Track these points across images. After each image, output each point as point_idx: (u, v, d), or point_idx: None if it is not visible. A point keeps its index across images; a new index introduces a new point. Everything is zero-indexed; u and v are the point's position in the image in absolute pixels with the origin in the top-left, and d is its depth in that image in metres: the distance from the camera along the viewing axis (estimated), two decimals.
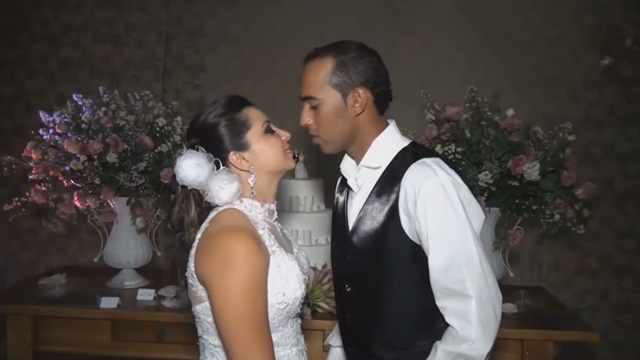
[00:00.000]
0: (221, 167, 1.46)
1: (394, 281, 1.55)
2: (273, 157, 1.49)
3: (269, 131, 1.50)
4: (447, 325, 1.48)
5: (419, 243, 1.51)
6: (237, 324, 1.28)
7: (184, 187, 1.48)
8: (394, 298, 1.56)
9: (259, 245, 1.34)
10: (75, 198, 2.70)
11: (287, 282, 1.39)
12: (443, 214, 1.46)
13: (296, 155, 1.57)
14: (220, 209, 1.45)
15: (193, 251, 1.40)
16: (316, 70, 1.54)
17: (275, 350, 1.38)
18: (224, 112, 1.48)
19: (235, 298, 1.28)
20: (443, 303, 1.47)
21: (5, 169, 2.72)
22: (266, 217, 1.51)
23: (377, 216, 1.55)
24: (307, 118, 1.57)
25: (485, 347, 1.43)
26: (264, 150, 1.48)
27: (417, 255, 1.51)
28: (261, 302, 1.31)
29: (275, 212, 1.57)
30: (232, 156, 1.47)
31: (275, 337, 1.40)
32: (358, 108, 1.55)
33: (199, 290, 1.39)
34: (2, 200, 3.01)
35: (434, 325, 1.52)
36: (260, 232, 1.41)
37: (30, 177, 2.71)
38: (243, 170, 1.48)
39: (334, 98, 1.53)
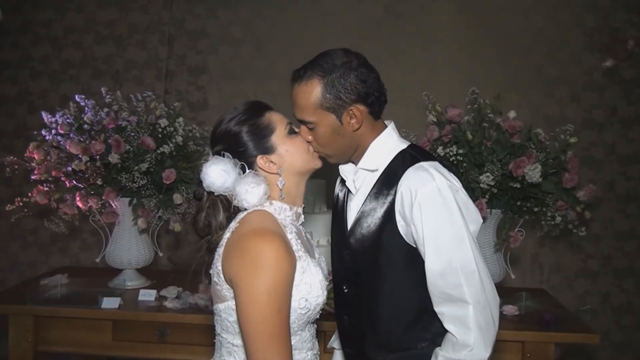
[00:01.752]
0: (247, 171, 1.47)
1: (389, 283, 1.55)
2: (300, 157, 1.52)
3: (292, 132, 1.53)
4: (444, 329, 1.48)
5: (415, 246, 1.51)
6: (261, 326, 1.28)
7: (210, 193, 1.50)
8: (389, 300, 1.56)
9: (287, 249, 1.34)
10: (77, 198, 2.71)
11: (310, 288, 1.40)
12: (439, 219, 1.45)
13: None
14: (250, 209, 1.46)
15: (221, 250, 1.41)
16: (305, 94, 1.52)
17: (292, 354, 1.39)
18: (246, 118, 1.50)
19: (262, 300, 1.28)
20: (441, 309, 1.48)
21: (7, 169, 2.73)
22: (293, 220, 1.53)
23: (374, 218, 1.56)
24: (308, 136, 1.57)
25: (485, 353, 1.43)
26: (290, 151, 1.50)
27: (413, 258, 1.51)
28: (285, 306, 1.32)
29: (302, 216, 1.58)
30: (260, 160, 1.49)
31: (292, 341, 1.40)
32: (355, 124, 1.54)
33: (223, 289, 1.40)
34: (4, 201, 3.03)
35: (430, 328, 1.53)
36: (289, 236, 1.43)
37: (32, 177, 2.71)
38: (271, 173, 1.49)
39: (329, 119, 1.53)
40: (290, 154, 1.50)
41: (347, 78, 1.50)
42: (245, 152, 1.49)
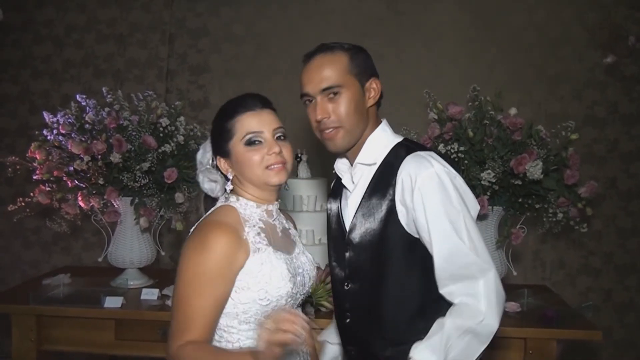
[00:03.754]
0: (208, 165, 1.58)
1: (393, 276, 1.56)
2: (249, 170, 1.51)
3: (248, 144, 1.50)
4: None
5: (416, 236, 1.52)
6: (180, 304, 1.40)
7: None
8: (393, 293, 1.57)
9: (235, 241, 1.42)
10: (79, 198, 2.71)
11: (270, 279, 1.44)
12: (441, 202, 1.47)
13: (299, 156, 1.59)
14: (218, 204, 1.55)
15: None
16: (334, 61, 1.57)
17: None
18: (219, 116, 1.56)
19: (187, 281, 1.39)
20: (450, 288, 1.48)
21: (9, 169, 2.73)
22: (263, 216, 1.55)
23: (374, 211, 1.57)
24: (327, 111, 1.56)
25: (495, 324, 1.44)
26: (239, 162, 1.51)
27: (414, 249, 1.53)
28: (211, 293, 1.39)
29: (275, 212, 1.60)
30: (219, 159, 1.56)
31: None
32: (372, 100, 1.61)
33: None
34: (6, 201, 3.03)
35: (434, 318, 1.53)
36: (247, 229, 1.47)
37: (34, 177, 2.71)
38: (225, 175, 1.57)
39: (355, 86, 1.58)
40: (239, 164, 1.51)
41: (364, 55, 1.62)
42: (213, 147, 1.59)
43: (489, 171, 2.47)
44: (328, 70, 1.55)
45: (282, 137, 1.54)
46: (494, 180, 2.47)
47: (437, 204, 1.46)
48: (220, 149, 1.53)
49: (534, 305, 2.64)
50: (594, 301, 3.58)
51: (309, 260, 1.65)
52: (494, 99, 2.59)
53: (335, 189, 1.76)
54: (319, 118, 1.56)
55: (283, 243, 1.58)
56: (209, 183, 1.59)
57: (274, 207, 1.59)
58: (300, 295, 1.56)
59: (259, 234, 1.48)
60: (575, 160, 2.53)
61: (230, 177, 1.54)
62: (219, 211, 1.52)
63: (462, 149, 2.53)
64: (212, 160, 1.58)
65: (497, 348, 2.36)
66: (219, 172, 1.57)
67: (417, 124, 2.89)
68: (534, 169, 2.41)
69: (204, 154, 1.60)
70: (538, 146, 2.52)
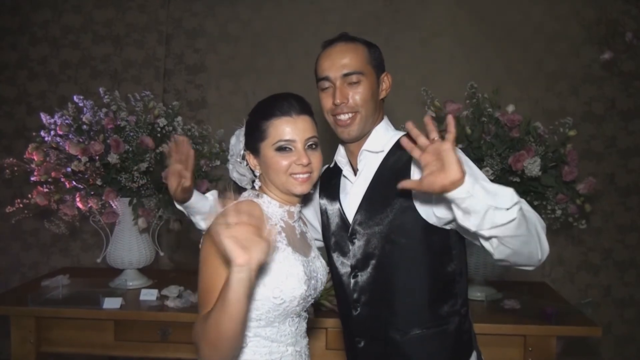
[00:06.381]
0: (238, 158, 1.61)
1: (404, 260, 1.57)
2: (273, 174, 1.52)
3: (279, 150, 1.50)
4: (460, 306, 1.57)
5: (430, 221, 1.52)
6: (200, 281, 1.38)
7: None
8: (406, 277, 1.58)
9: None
10: (77, 199, 2.70)
11: (286, 279, 1.44)
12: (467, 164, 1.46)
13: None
14: (242, 198, 1.57)
15: None
16: (356, 50, 1.61)
17: (269, 345, 1.48)
18: (255, 113, 1.55)
19: (203, 259, 1.37)
20: None
21: (7, 171, 2.73)
22: (284, 217, 1.56)
23: (383, 198, 1.58)
24: (346, 96, 1.59)
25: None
26: (267, 164, 1.52)
27: (425, 233, 1.53)
28: (223, 275, 1.31)
29: (296, 214, 1.61)
30: (248, 154, 1.57)
31: (270, 332, 1.48)
32: (384, 92, 1.67)
33: None
34: (4, 202, 3.02)
35: (444, 303, 1.56)
36: (268, 227, 1.44)
37: (32, 178, 2.71)
38: (253, 171, 1.58)
39: (373, 77, 1.62)
40: (266, 167, 1.52)
41: (379, 52, 1.67)
42: (245, 140, 1.59)
43: (487, 168, 2.47)
44: (350, 57, 1.59)
45: (313, 146, 1.53)
46: (492, 178, 2.47)
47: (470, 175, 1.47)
48: (251, 146, 1.55)
49: (534, 303, 2.64)
50: (594, 297, 3.59)
51: (322, 265, 1.66)
52: (491, 96, 2.59)
53: (328, 186, 1.77)
54: (337, 102, 1.58)
55: (301, 245, 1.59)
56: (237, 174, 1.63)
57: (295, 209, 1.60)
58: (312, 298, 1.57)
59: (279, 233, 1.50)
60: (574, 157, 2.53)
61: (257, 175, 1.57)
62: (241, 203, 1.52)
63: (460, 146, 2.53)
64: (243, 151, 1.60)
65: (496, 345, 2.36)
66: (248, 166, 1.60)
67: (415, 121, 2.88)
68: (532, 166, 2.41)
69: (237, 143, 1.62)
70: (536, 143, 2.52)
